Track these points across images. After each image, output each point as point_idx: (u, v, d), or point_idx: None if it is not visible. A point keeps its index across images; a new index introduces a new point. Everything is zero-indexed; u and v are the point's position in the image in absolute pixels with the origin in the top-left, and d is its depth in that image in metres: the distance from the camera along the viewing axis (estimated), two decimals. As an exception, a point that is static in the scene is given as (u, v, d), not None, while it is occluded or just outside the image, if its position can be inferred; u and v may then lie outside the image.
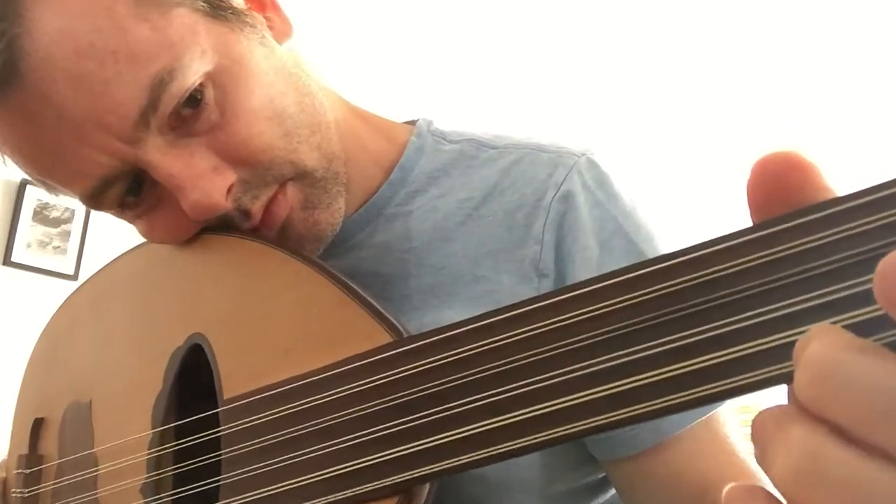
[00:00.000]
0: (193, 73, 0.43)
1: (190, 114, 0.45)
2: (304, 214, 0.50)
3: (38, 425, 0.59)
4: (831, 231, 0.22)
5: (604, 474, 0.53)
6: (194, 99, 0.44)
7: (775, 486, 0.19)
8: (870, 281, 0.20)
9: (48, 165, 0.46)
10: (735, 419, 0.49)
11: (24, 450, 0.59)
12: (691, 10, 2.23)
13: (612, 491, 0.53)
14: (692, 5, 2.22)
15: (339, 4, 2.09)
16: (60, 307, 0.63)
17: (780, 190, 0.23)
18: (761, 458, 0.20)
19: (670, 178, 2.88)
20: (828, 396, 0.18)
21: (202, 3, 0.45)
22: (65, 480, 0.55)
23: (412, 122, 0.61)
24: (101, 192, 0.46)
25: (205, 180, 0.45)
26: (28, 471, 0.58)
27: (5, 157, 0.48)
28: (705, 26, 2.30)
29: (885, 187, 0.21)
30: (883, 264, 0.18)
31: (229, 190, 0.46)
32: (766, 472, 0.19)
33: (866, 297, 0.21)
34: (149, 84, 0.42)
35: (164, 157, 0.45)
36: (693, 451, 0.47)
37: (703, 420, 0.47)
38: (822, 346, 0.18)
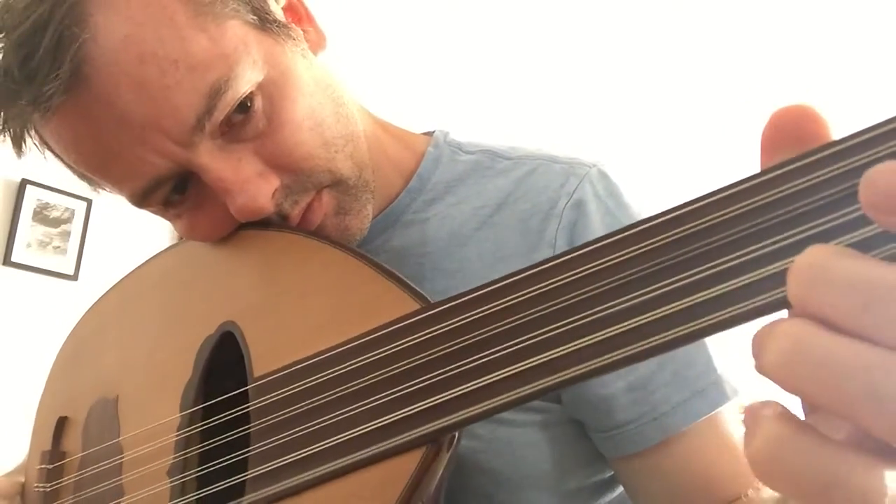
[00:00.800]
0: (246, 82, 0.46)
1: (240, 120, 0.47)
2: (337, 220, 0.52)
3: (61, 423, 0.60)
4: (817, 173, 0.25)
5: (612, 473, 0.54)
6: (244, 106, 0.46)
7: (767, 375, 0.21)
8: (847, 214, 0.24)
9: (103, 165, 0.48)
10: (738, 416, 0.51)
11: (47, 447, 0.59)
12: (693, 19, 2.26)
13: (620, 489, 0.55)
14: (694, 15, 2.24)
15: (352, 15, 2.11)
16: (88, 311, 0.63)
17: (791, 135, 0.25)
18: (757, 363, 0.22)
19: (671, 183, 2.91)
20: (814, 293, 0.20)
21: (252, 16, 0.48)
22: (88, 471, 0.55)
23: (429, 133, 0.63)
24: (151, 191, 0.48)
25: (252, 185, 0.47)
26: (50, 466, 0.58)
27: (47, 152, 0.50)
28: (707, 34, 2.33)
29: (860, 135, 0.25)
30: (867, 174, 0.20)
31: (273, 194, 0.48)
32: (761, 370, 0.22)
33: (847, 226, 0.24)
34: (206, 92, 0.44)
35: (215, 161, 0.47)
36: (698, 447, 0.49)
37: (708, 417, 0.49)
38: (808, 252, 0.21)
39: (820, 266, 0.20)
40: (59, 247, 2.08)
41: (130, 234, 2.05)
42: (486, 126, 2.44)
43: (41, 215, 2.06)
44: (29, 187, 2.03)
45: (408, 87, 2.44)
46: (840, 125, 0.25)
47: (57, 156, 0.50)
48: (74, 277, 2.09)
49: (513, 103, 2.62)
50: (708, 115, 2.71)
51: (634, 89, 2.59)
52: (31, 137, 0.49)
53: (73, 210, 2.11)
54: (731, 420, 0.50)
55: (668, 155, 2.85)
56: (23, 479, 0.63)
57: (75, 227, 2.11)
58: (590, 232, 0.52)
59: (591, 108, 2.66)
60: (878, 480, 0.19)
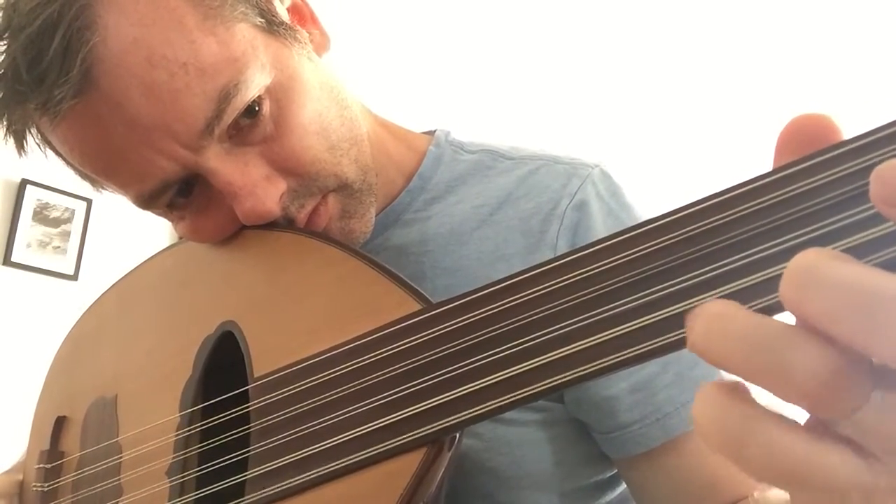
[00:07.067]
0: (255, 86, 0.46)
1: (247, 124, 0.47)
2: (342, 224, 0.52)
3: (59, 423, 0.59)
4: (822, 175, 0.25)
5: (612, 473, 0.54)
6: (252, 110, 0.46)
7: (694, 349, 0.22)
8: (851, 216, 0.24)
9: (111, 167, 0.48)
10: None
11: (45, 447, 0.59)
12: (695, 20, 2.26)
13: (620, 489, 0.55)
14: (695, 17, 2.25)
15: (353, 15, 2.11)
16: (86, 311, 0.63)
17: (807, 141, 0.26)
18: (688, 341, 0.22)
19: (673, 184, 2.91)
20: (805, 297, 0.20)
21: (260, 19, 0.47)
22: (86, 471, 0.55)
23: (430, 133, 0.63)
24: (158, 194, 0.48)
25: (259, 188, 0.47)
26: (49, 465, 0.58)
27: (48, 151, 0.50)
28: (708, 36, 2.34)
29: (864, 137, 0.25)
30: (877, 170, 0.20)
31: (280, 198, 0.48)
32: (689, 346, 0.22)
33: (850, 228, 0.24)
34: (216, 96, 0.44)
35: (223, 165, 0.47)
36: (703, 448, 0.49)
37: None
38: (802, 256, 0.21)
39: (811, 270, 0.20)
40: (59, 247, 2.08)
41: (130, 234, 2.05)
42: (488, 126, 2.44)
43: (41, 215, 2.06)
44: (29, 187, 2.03)
45: (409, 86, 2.44)
46: (844, 127, 0.25)
47: (60, 156, 0.50)
48: (74, 277, 2.08)
49: (514, 103, 2.62)
50: (709, 117, 2.71)
51: (636, 90, 2.59)
52: (32, 136, 0.49)
53: (73, 210, 2.11)
54: None
55: (669, 156, 2.85)
56: (21, 478, 0.62)
57: (75, 227, 2.11)
58: (592, 233, 0.52)
59: (594, 109, 2.66)
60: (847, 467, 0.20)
